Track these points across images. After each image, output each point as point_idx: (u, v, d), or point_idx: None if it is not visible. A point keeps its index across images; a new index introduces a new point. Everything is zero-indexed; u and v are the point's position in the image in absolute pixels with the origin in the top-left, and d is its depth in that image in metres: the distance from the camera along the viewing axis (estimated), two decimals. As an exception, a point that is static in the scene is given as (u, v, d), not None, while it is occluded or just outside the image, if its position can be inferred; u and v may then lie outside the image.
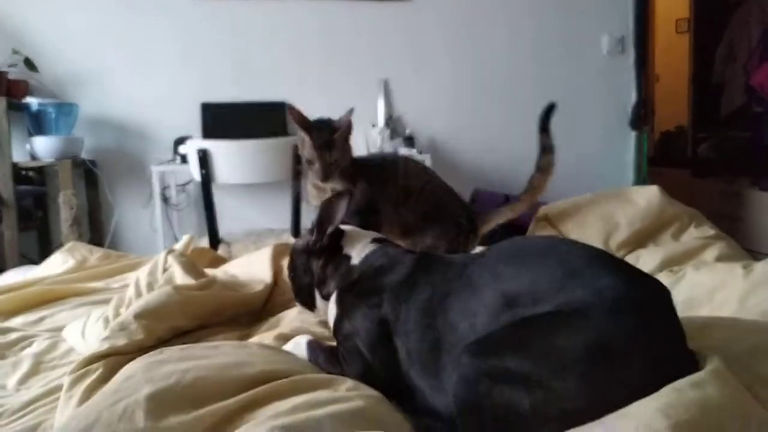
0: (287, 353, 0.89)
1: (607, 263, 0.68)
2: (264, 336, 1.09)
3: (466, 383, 0.62)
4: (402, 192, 1.53)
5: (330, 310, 0.92)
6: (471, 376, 0.61)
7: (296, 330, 1.08)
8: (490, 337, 0.65)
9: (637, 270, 0.70)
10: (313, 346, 0.90)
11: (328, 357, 0.86)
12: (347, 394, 0.71)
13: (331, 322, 0.91)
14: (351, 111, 1.49)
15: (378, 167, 1.57)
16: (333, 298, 0.92)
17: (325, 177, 1.47)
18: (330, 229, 0.96)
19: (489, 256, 0.76)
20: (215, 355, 0.80)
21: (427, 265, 0.84)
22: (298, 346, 0.91)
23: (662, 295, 0.67)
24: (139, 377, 0.72)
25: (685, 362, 0.61)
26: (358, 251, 0.95)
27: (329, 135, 1.47)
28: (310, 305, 1.03)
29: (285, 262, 1.34)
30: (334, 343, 0.90)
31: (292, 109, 1.47)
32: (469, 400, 0.61)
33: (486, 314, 0.68)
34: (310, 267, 1.00)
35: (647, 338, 0.60)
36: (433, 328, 0.74)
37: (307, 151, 1.48)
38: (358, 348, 0.81)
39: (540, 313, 0.63)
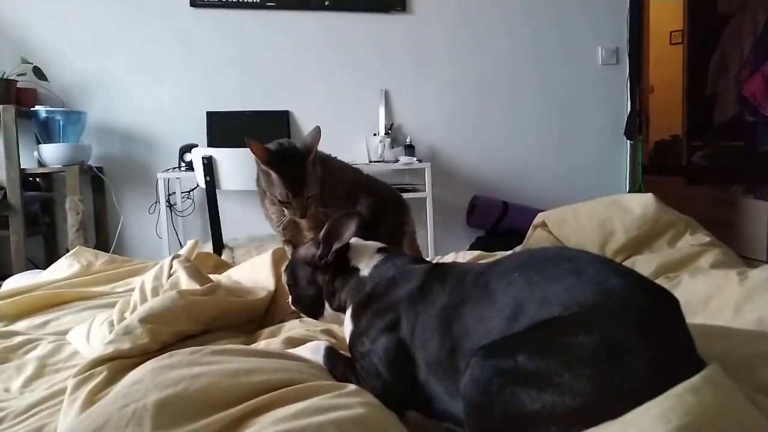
0: (297, 359, 0.88)
1: (615, 268, 0.69)
2: (271, 341, 1.09)
3: (477, 384, 0.62)
4: (343, 187, 1.42)
5: (346, 325, 0.91)
6: (482, 376, 0.61)
7: (305, 336, 1.07)
8: (501, 340, 0.65)
9: (645, 277, 0.71)
10: (333, 354, 0.89)
11: (346, 369, 0.85)
12: (349, 400, 0.70)
13: (347, 338, 0.90)
14: (318, 129, 1.33)
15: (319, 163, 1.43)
16: (348, 313, 0.91)
17: (304, 215, 1.31)
18: (337, 246, 0.95)
19: (503, 264, 0.77)
20: (224, 360, 0.79)
21: (440, 273, 0.83)
22: (317, 351, 0.90)
23: (671, 299, 0.68)
24: (147, 382, 0.71)
25: (693, 366, 0.60)
26: (366, 262, 0.94)
27: (301, 167, 1.28)
28: (314, 313, 1.02)
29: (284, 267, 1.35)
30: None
31: (252, 143, 1.27)
32: (480, 400, 0.61)
33: (500, 319, 0.68)
34: (315, 279, 0.99)
35: (655, 337, 0.60)
36: (449, 334, 0.74)
37: (278, 190, 1.29)
38: (376, 368, 0.80)
39: (551, 317, 0.63)
